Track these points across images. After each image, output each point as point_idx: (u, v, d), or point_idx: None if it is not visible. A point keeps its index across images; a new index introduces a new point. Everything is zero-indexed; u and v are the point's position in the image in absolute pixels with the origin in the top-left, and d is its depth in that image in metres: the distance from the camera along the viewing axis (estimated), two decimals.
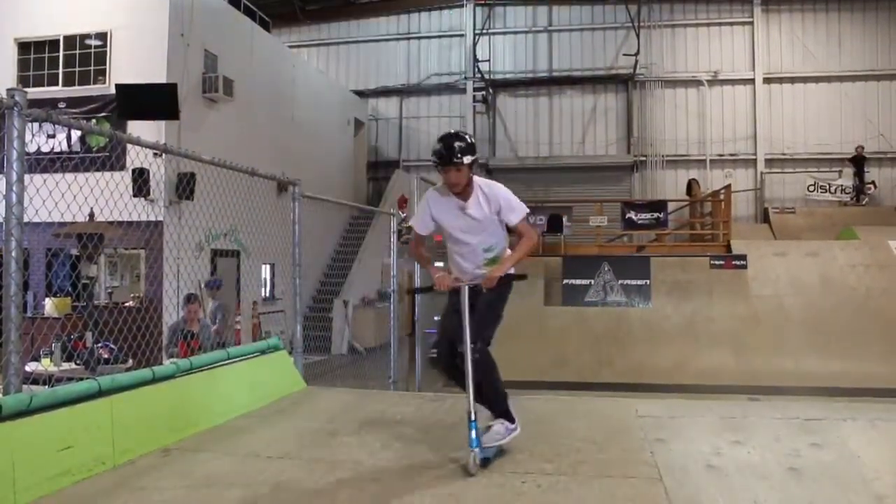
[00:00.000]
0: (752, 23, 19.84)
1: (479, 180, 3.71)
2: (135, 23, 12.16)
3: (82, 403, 3.52)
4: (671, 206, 16.01)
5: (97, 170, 10.31)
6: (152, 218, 11.50)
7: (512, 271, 3.79)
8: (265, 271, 14.72)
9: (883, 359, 10.82)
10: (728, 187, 15.26)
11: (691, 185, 17.91)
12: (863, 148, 18.31)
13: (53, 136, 11.90)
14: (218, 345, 7.51)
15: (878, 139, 19.11)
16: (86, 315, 9.63)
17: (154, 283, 11.32)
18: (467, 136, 3.67)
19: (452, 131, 3.79)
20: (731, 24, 20.01)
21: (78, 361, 8.28)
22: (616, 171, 20.24)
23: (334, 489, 3.28)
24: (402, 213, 12.55)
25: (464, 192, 3.68)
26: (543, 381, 10.46)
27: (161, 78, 11.75)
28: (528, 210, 3.77)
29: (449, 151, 3.52)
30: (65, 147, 11.98)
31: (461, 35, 21.23)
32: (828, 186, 18.79)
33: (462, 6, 21.15)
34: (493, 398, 3.73)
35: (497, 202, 3.68)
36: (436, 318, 12.61)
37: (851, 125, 19.25)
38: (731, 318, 12.00)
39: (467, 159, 3.52)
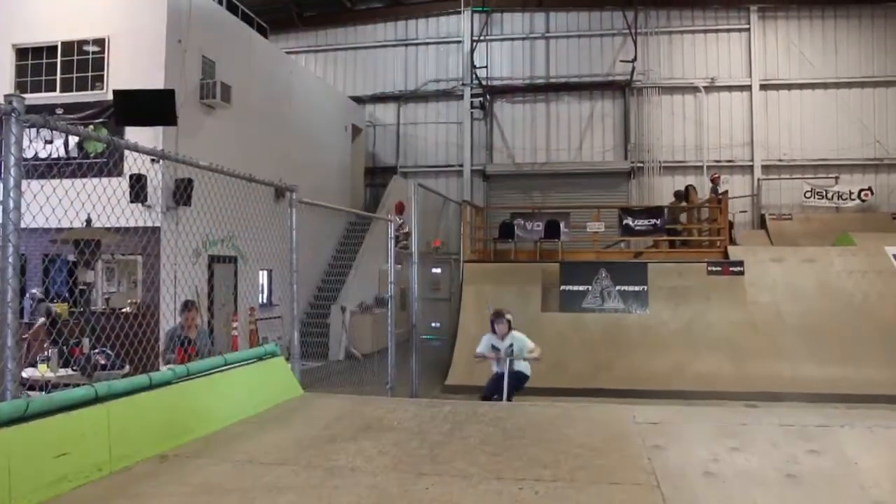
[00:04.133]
0: (748, 30, 19.91)
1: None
2: (132, 29, 12.16)
3: (79, 410, 3.50)
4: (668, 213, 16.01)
5: (94, 175, 10.28)
6: (149, 224, 11.48)
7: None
8: (262, 277, 14.71)
9: (880, 365, 10.84)
10: (725, 193, 15.28)
11: (688, 192, 17.92)
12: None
13: (51, 142, 11.88)
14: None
15: (874, 146, 19.18)
16: (83, 321, 9.63)
17: (151, 290, 11.29)
18: None
19: None
20: (728, 31, 20.08)
21: (75, 367, 8.26)
22: (613, 177, 20.27)
23: (332, 495, 3.28)
24: (399, 219, 12.59)
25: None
26: (541, 387, 10.42)
27: (159, 84, 11.75)
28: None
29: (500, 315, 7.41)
30: (62, 153, 11.96)
31: (459, 41, 21.29)
32: (824, 193, 18.86)
33: (460, 13, 21.20)
34: None
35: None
36: (434, 325, 12.68)
37: (847, 132, 19.31)
38: (728, 324, 12.01)
39: (508, 317, 7.38)
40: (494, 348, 7.42)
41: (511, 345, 7.33)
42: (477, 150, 21.10)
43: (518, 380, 7.49)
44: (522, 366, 7.52)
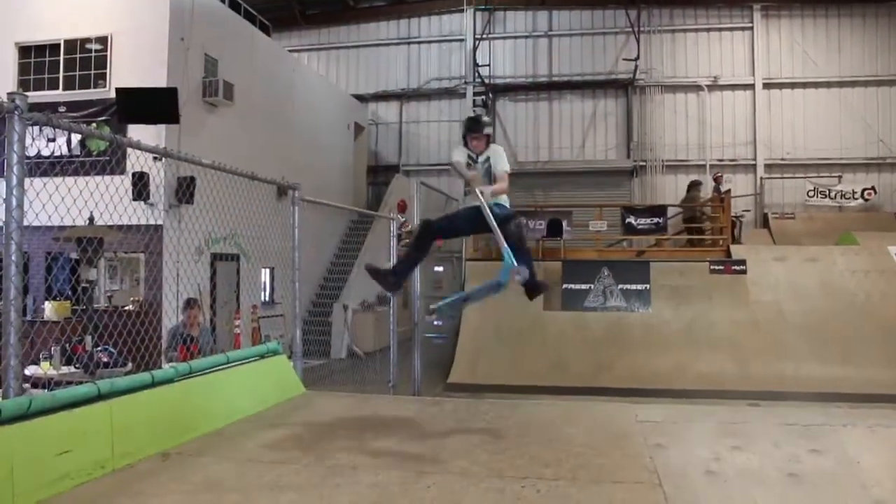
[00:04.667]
0: (751, 28, 19.86)
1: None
2: (135, 27, 12.17)
3: (81, 407, 3.51)
4: (671, 211, 16.00)
5: (97, 173, 10.29)
6: (152, 222, 11.49)
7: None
8: (265, 275, 14.72)
9: (882, 364, 10.82)
10: (727, 192, 15.25)
11: (690, 189, 17.89)
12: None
13: (53, 140, 11.90)
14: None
15: (877, 145, 19.13)
16: (85, 319, 9.65)
17: (154, 287, 11.32)
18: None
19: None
20: (731, 29, 20.03)
21: (77, 365, 8.28)
22: (616, 175, 20.21)
23: (333, 494, 3.28)
24: (402, 217, 12.58)
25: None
26: (543, 385, 10.47)
27: (161, 82, 11.76)
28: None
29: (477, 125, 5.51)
30: (65, 151, 11.98)
31: (461, 40, 21.27)
32: (827, 192, 18.81)
33: (462, 11, 21.18)
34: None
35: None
36: (436, 323, 12.64)
37: (851, 131, 19.27)
38: (730, 324, 11.99)
39: (487, 130, 5.51)
40: (470, 157, 5.62)
41: (488, 158, 5.64)
42: None
43: (504, 219, 5.21)
44: (498, 198, 5.48)
